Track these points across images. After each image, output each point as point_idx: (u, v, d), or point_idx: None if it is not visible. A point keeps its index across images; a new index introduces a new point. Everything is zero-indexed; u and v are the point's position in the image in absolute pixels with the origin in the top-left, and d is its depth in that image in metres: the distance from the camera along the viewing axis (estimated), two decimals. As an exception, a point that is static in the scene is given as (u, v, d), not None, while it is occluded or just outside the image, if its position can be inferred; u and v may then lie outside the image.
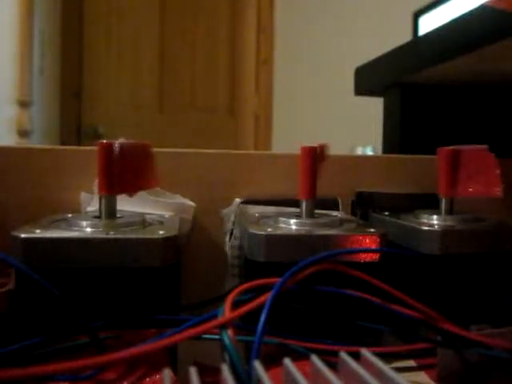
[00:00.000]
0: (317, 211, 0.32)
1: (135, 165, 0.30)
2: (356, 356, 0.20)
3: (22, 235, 0.25)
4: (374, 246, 0.29)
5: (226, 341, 0.21)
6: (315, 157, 0.31)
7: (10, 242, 0.26)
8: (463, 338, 0.24)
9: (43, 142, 1.60)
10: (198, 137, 1.90)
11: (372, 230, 0.30)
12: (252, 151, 0.40)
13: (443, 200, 0.35)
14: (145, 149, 0.31)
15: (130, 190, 0.30)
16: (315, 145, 0.31)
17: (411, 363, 0.27)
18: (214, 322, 0.22)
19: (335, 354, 0.20)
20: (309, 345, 0.26)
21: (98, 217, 0.29)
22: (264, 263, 0.28)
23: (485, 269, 0.32)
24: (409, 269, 0.32)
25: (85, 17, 1.86)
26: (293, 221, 0.31)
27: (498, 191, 0.32)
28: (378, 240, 0.29)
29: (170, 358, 0.24)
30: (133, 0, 1.91)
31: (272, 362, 0.22)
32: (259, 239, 0.28)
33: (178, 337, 0.21)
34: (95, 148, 0.29)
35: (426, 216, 0.35)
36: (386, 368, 0.18)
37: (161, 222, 0.32)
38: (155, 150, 0.38)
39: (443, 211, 0.35)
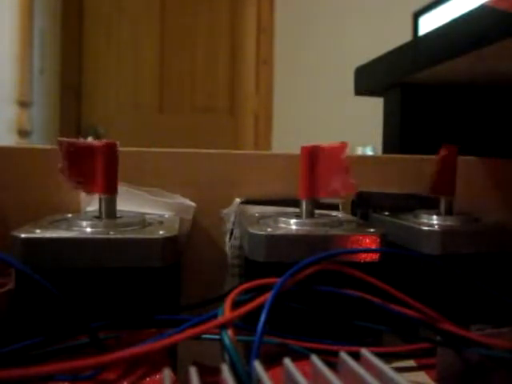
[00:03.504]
0: (317, 211, 0.32)
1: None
2: (356, 356, 0.20)
3: (22, 235, 0.25)
4: (374, 246, 0.29)
5: (226, 341, 0.21)
6: (315, 157, 0.31)
7: (9, 242, 0.26)
8: (463, 338, 0.24)
9: (43, 142, 1.60)
10: (198, 137, 1.89)
11: (372, 229, 0.30)
12: (252, 151, 0.40)
13: (443, 200, 0.35)
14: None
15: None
16: (316, 144, 0.31)
17: (411, 363, 0.27)
18: (214, 322, 0.22)
19: (335, 354, 0.20)
20: (309, 345, 0.26)
21: (98, 217, 0.29)
22: (264, 263, 0.28)
23: (485, 269, 0.32)
24: (409, 269, 0.32)
25: (85, 17, 1.86)
26: (293, 221, 0.31)
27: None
28: (378, 240, 0.29)
29: (170, 358, 0.24)
30: (133, 0, 1.91)
31: (272, 361, 0.22)
32: (259, 239, 0.28)
33: (177, 337, 0.21)
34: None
35: (425, 216, 0.35)
36: (386, 368, 0.18)
37: (161, 222, 0.32)
38: (156, 150, 0.38)
39: (443, 211, 0.35)
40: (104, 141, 0.29)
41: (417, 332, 0.28)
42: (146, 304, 0.27)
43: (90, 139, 0.29)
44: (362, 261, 0.28)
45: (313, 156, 0.31)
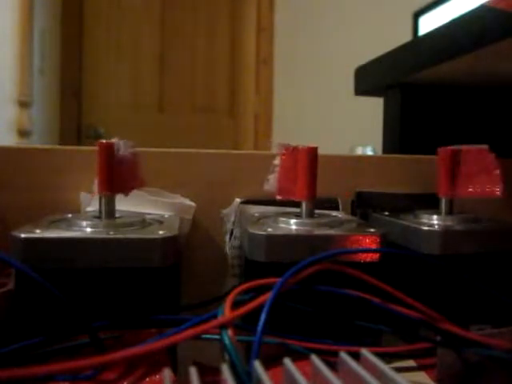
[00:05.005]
0: (317, 211, 0.32)
1: (126, 164, 0.30)
2: (356, 356, 0.20)
3: (22, 235, 0.25)
4: (374, 246, 0.29)
5: (226, 341, 0.21)
6: (315, 157, 0.31)
7: (10, 242, 0.26)
8: (463, 338, 0.24)
9: (43, 142, 1.60)
10: (198, 137, 1.89)
11: (372, 230, 0.30)
12: (252, 151, 0.40)
13: (443, 200, 0.35)
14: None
15: (126, 189, 0.30)
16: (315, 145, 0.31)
17: (411, 363, 0.27)
18: (213, 322, 0.22)
19: (335, 354, 0.20)
20: (309, 345, 0.26)
21: (98, 217, 0.29)
22: (264, 263, 0.28)
23: (484, 269, 0.32)
24: (409, 269, 0.32)
25: (85, 17, 1.86)
26: (293, 221, 0.31)
27: (498, 191, 0.32)
28: (378, 240, 0.29)
29: (170, 358, 0.24)
30: (133, 0, 1.91)
31: (272, 361, 0.22)
32: (259, 239, 0.28)
33: (178, 337, 0.21)
34: (95, 148, 0.29)
35: (426, 216, 0.35)
36: (386, 368, 0.18)
37: (161, 222, 0.32)
38: (156, 150, 0.38)
39: (443, 211, 0.35)
40: (104, 141, 0.29)
41: (417, 332, 0.28)
42: (146, 304, 0.27)
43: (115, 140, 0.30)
44: (362, 261, 0.28)
45: (314, 156, 0.31)
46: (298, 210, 0.32)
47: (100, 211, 0.30)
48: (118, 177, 0.29)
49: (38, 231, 0.26)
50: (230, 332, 0.21)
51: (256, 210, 0.37)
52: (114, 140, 0.29)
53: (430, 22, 1.17)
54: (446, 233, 0.31)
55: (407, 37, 1.20)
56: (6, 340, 0.24)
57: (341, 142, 1.24)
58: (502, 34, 0.34)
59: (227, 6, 2.01)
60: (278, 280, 0.25)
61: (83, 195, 0.36)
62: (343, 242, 0.28)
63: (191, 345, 0.24)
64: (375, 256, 0.28)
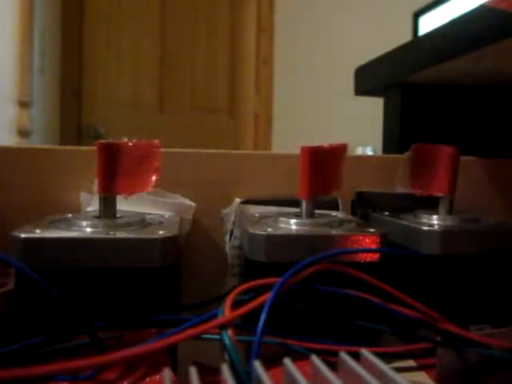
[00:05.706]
0: (317, 211, 0.32)
1: (135, 164, 0.30)
2: (356, 356, 0.20)
3: (22, 235, 0.25)
4: (374, 246, 0.29)
5: (226, 341, 0.21)
6: (315, 157, 0.31)
7: (10, 242, 0.26)
8: (463, 338, 0.24)
9: (43, 141, 1.60)
10: (198, 137, 1.90)
11: (372, 230, 0.30)
12: (252, 151, 0.40)
13: (443, 200, 0.35)
14: (148, 148, 0.31)
15: (129, 190, 0.30)
16: (318, 144, 0.31)
17: (411, 363, 0.27)
18: (214, 322, 0.22)
19: (335, 354, 0.20)
20: (309, 345, 0.25)
21: (98, 217, 0.29)
22: (264, 263, 0.28)
23: (484, 269, 0.32)
24: (409, 269, 0.32)
25: (85, 17, 1.86)
26: (293, 221, 0.31)
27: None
28: (378, 240, 0.29)
29: (170, 358, 0.24)
30: (133, 0, 1.91)
31: (272, 361, 0.22)
32: (259, 239, 0.28)
33: (178, 337, 0.21)
34: (95, 148, 0.29)
35: (426, 216, 0.35)
36: (386, 368, 0.18)
37: (161, 222, 0.32)
38: (155, 149, 0.38)
39: (443, 211, 0.35)
40: (103, 141, 0.29)
41: (417, 332, 0.28)
42: (146, 304, 0.27)
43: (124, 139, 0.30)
44: (362, 261, 0.28)
45: (313, 156, 0.31)
46: (298, 209, 0.32)
47: (100, 211, 0.30)
48: (120, 177, 0.29)
49: (38, 231, 0.26)
50: (230, 332, 0.21)
51: (256, 210, 0.37)
52: (124, 139, 0.29)
53: (430, 22, 1.17)
54: (445, 233, 0.31)
55: (407, 37, 1.20)
56: (5, 340, 0.24)
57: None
58: (502, 34, 0.34)
59: (227, 6, 2.01)
60: (278, 280, 0.25)
61: (83, 195, 0.36)
62: (343, 242, 0.28)
63: (191, 345, 0.24)
64: (375, 256, 0.28)
